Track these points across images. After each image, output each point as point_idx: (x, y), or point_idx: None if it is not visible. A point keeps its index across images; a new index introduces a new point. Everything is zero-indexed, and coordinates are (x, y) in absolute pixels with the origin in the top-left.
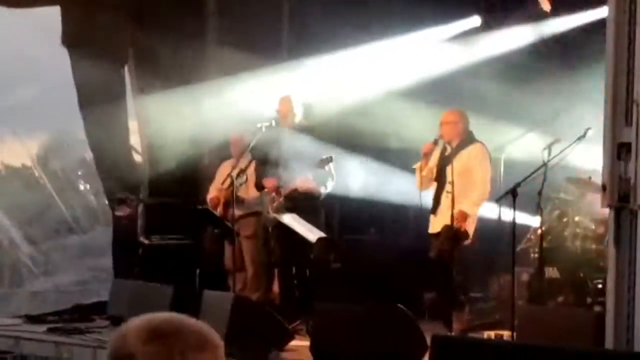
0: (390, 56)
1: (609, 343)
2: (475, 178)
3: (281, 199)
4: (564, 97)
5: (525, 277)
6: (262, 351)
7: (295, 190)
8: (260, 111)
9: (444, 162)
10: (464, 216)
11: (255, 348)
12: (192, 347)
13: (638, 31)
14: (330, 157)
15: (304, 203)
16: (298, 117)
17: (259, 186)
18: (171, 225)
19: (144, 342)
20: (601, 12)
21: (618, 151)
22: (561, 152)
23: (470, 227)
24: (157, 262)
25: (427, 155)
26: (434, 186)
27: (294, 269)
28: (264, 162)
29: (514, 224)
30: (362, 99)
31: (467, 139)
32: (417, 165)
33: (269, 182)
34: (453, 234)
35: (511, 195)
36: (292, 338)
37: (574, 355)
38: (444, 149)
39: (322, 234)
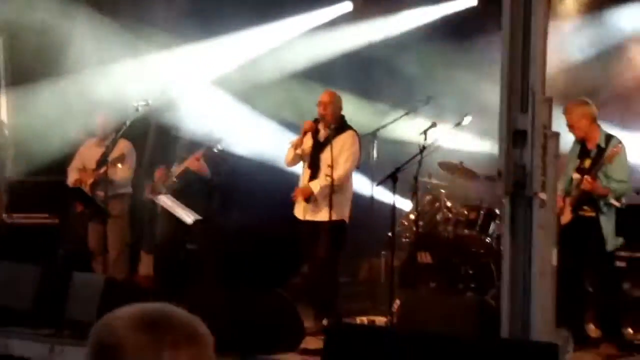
0: (269, 40)
1: (504, 332)
2: (339, 163)
3: (173, 179)
4: (443, 80)
5: (396, 262)
6: None
7: (187, 169)
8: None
9: (318, 146)
10: (308, 192)
11: None
12: (184, 339)
13: (533, 19)
14: (220, 139)
15: (194, 184)
16: None
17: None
18: (36, 203)
19: (134, 331)
20: (469, 1)
21: (513, 138)
22: (437, 138)
23: (345, 214)
24: (19, 242)
25: (307, 132)
26: (305, 171)
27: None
28: (153, 145)
29: (393, 209)
30: (250, 80)
31: (342, 124)
32: (292, 141)
33: (157, 173)
34: (333, 225)
35: (391, 180)
36: None
37: (470, 345)
38: (317, 133)
39: (198, 216)
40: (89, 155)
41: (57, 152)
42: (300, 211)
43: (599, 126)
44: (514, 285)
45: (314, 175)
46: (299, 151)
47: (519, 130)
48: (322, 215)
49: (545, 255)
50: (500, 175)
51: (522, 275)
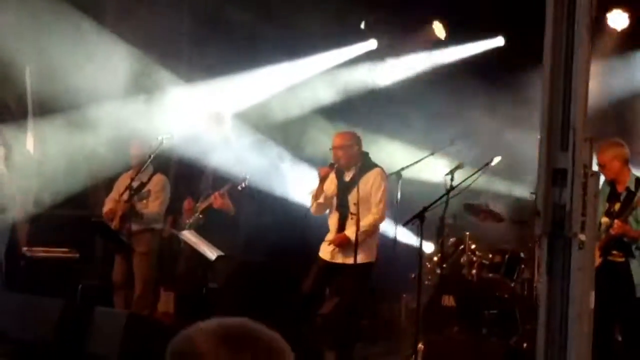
0: (292, 76)
1: None
2: (370, 205)
3: (197, 215)
4: (470, 120)
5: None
6: None
7: (210, 206)
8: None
9: (345, 187)
10: (345, 239)
11: None
12: (264, 354)
13: (575, 55)
14: (245, 177)
15: (218, 220)
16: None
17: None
18: (58, 237)
19: (215, 345)
20: (496, 42)
21: (553, 177)
22: (466, 179)
23: (374, 255)
24: (39, 275)
25: (324, 179)
26: (333, 214)
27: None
28: (175, 179)
29: (420, 250)
30: (272, 116)
31: (366, 163)
32: (311, 192)
33: (185, 205)
34: (360, 267)
35: (418, 220)
36: None
37: None
38: (342, 174)
39: (221, 253)
40: (122, 186)
41: (80, 185)
42: (327, 253)
43: (629, 169)
44: (551, 328)
45: (342, 217)
46: (321, 200)
47: (559, 169)
48: (352, 259)
49: (584, 298)
50: (539, 214)
51: (559, 318)
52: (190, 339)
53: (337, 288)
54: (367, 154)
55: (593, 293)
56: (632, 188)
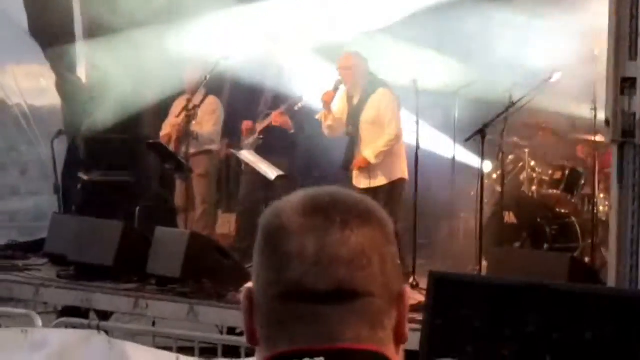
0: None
1: (611, 283)
2: (384, 125)
3: (256, 135)
4: (527, 38)
5: (473, 223)
6: (218, 291)
7: (269, 126)
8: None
9: (354, 110)
10: (365, 162)
11: (211, 288)
12: (354, 219)
13: None
14: (301, 97)
15: (277, 141)
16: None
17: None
18: (114, 160)
19: (301, 215)
20: None
21: (622, 86)
22: (526, 95)
23: (397, 173)
24: (96, 199)
25: (328, 103)
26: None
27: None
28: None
29: (481, 166)
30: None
31: (371, 84)
32: (320, 115)
33: (244, 125)
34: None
35: (479, 136)
36: (248, 279)
37: (582, 294)
38: (351, 96)
39: (281, 172)
40: (178, 110)
41: (132, 109)
42: (353, 178)
43: None
44: (622, 235)
45: (353, 140)
46: (330, 122)
47: (627, 78)
48: (379, 181)
49: None
50: (608, 123)
51: (630, 226)
52: (277, 210)
53: None
54: (372, 74)
55: None
56: None
